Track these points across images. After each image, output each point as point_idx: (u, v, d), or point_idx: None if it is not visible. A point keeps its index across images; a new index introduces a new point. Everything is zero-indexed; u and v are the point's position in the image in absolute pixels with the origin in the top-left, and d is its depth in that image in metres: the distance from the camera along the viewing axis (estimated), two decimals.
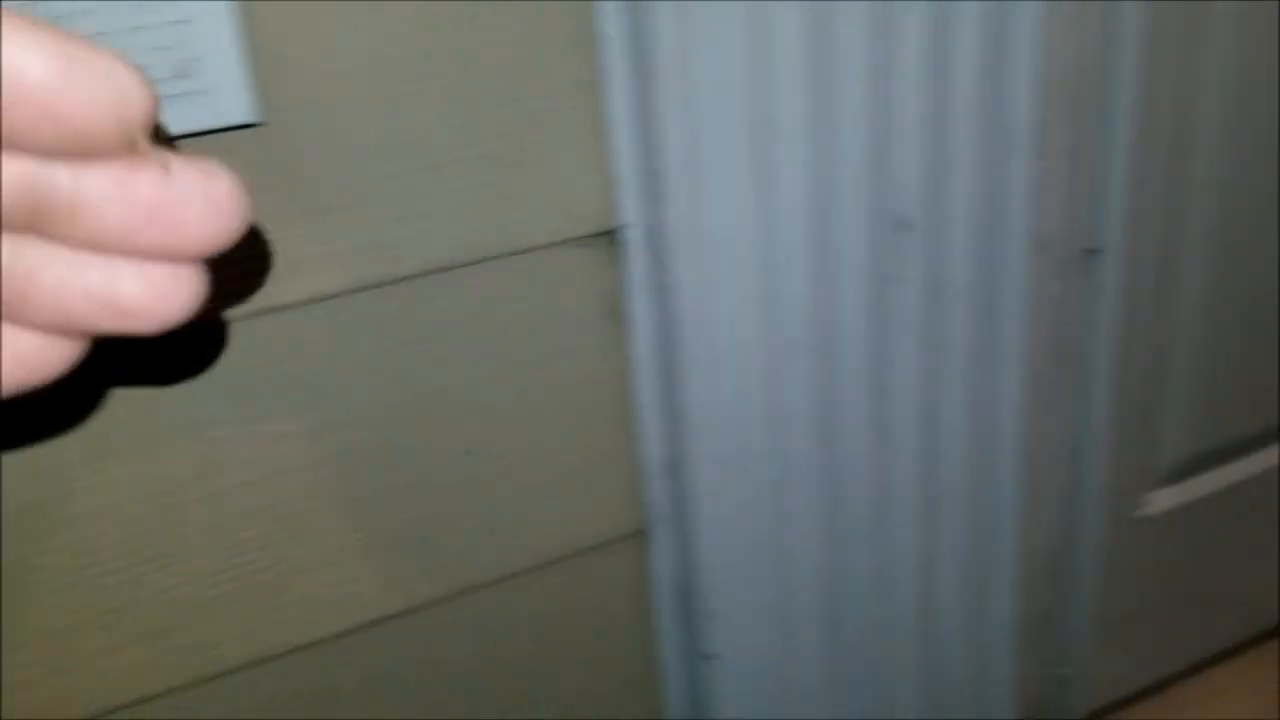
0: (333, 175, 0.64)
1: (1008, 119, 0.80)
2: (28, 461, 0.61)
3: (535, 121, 0.69)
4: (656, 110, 0.69)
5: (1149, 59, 0.91)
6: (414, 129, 0.65)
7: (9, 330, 0.24)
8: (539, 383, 0.75)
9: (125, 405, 0.63)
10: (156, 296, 0.24)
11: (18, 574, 0.63)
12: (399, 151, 0.65)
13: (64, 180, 0.21)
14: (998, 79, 0.79)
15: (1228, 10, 0.96)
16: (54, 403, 0.62)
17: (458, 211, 0.68)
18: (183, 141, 0.59)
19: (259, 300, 0.64)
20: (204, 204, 0.23)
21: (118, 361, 0.62)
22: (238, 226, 0.25)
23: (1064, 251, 0.91)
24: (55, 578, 0.64)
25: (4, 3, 0.24)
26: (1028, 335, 0.88)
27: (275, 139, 0.62)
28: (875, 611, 0.87)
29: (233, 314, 0.64)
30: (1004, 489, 0.90)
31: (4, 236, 0.22)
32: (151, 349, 0.61)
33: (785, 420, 0.80)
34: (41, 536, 0.63)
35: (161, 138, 0.23)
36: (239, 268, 0.63)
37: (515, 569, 0.78)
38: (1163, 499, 1.12)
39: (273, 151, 0.62)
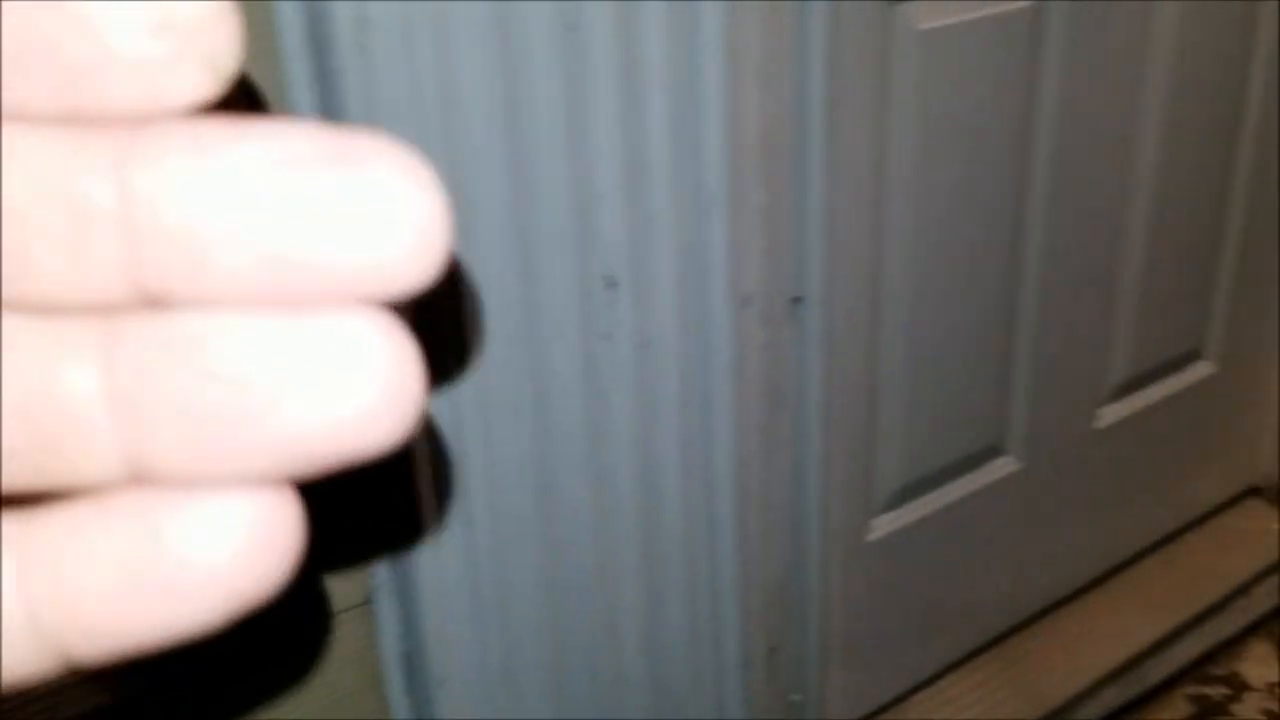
0: None
1: (704, 180, 0.84)
2: None
3: None
4: None
5: (838, 119, 0.97)
6: None
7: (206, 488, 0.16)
8: None
9: None
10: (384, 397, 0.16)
11: None
12: None
13: None
14: (692, 143, 0.83)
15: (908, 74, 1.04)
16: None
17: None
18: None
19: None
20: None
21: None
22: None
23: (769, 301, 0.96)
24: None
25: None
26: (738, 383, 0.92)
27: None
28: (604, 661, 0.89)
29: None
30: (724, 531, 0.94)
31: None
32: None
33: (503, 480, 0.80)
34: None
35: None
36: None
37: None
38: (884, 524, 1.19)
39: None
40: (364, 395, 0.15)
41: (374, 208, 0.15)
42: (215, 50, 0.15)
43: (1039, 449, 1.29)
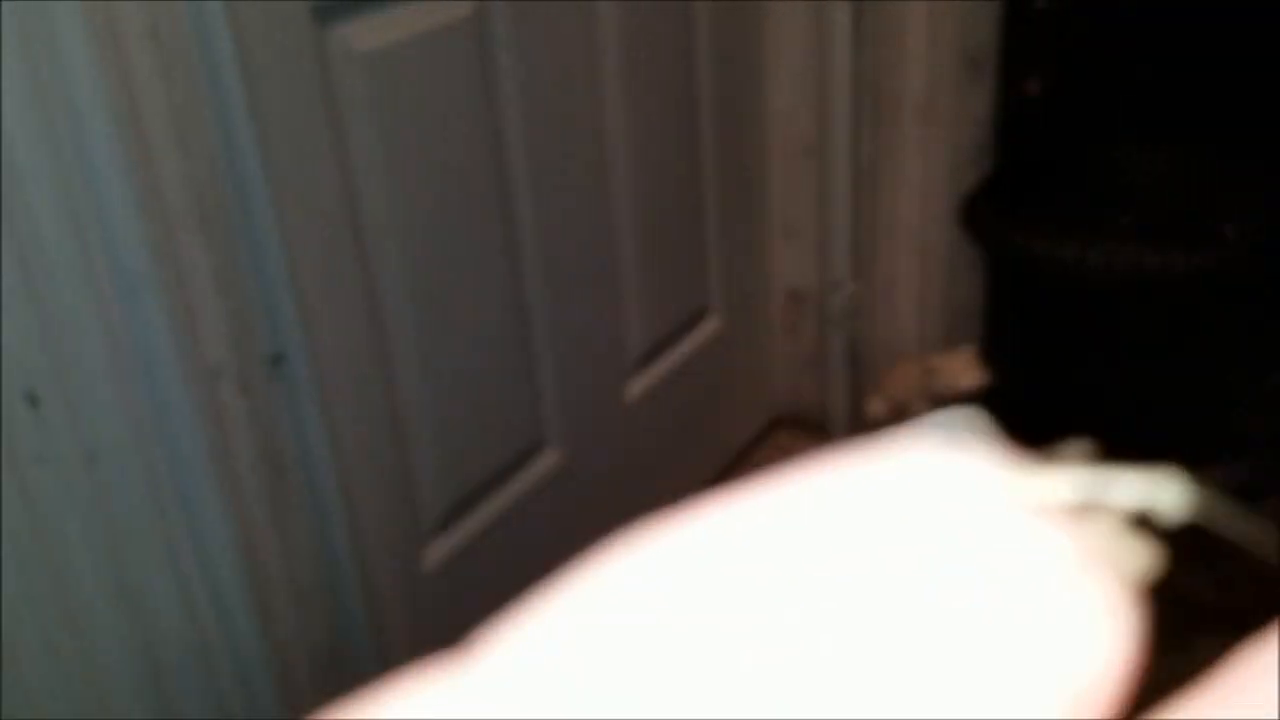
0: None
1: (123, 264, 0.76)
2: None
3: None
4: None
5: (283, 163, 0.92)
6: None
7: None
8: None
9: None
10: None
11: None
12: None
13: None
14: (101, 229, 0.74)
15: (357, 101, 1.00)
16: None
17: None
18: None
19: None
20: None
21: None
22: None
23: (244, 367, 0.89)
24: None
25: None
26: (225, 461, 0.85)
27: None
28: None
29: None
30: (241, 617, 0.87)
31: None
32: None
33: None
34: None
35: None
36: None
37: None
38: (437, 549, 1.17)
39: None
40: None
41: None
42: None
43: (578, 434, 1.33)
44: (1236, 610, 1.51)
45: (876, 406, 1.59)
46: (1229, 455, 1.64)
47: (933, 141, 1.52)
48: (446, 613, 1.18)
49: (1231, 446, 1.66)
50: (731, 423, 1.61)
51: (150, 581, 0.80)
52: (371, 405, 1.06)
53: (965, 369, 1.46)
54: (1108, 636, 0.11)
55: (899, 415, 1.54)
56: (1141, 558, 0.12)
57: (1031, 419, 1.64)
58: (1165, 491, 0.12)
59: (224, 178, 0.85)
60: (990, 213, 1.56)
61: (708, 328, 1.53)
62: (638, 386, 1.42)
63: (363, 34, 1.01)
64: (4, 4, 0.71)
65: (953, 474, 0.11)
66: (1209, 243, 1.48)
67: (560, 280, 1.26)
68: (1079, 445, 0.13)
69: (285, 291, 0.92)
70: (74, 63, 0.74)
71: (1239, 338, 1.62)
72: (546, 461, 1.30)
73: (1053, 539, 0.11)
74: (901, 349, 1.64)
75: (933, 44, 1.47)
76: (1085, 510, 0.12)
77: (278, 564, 0.92)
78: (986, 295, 1.69)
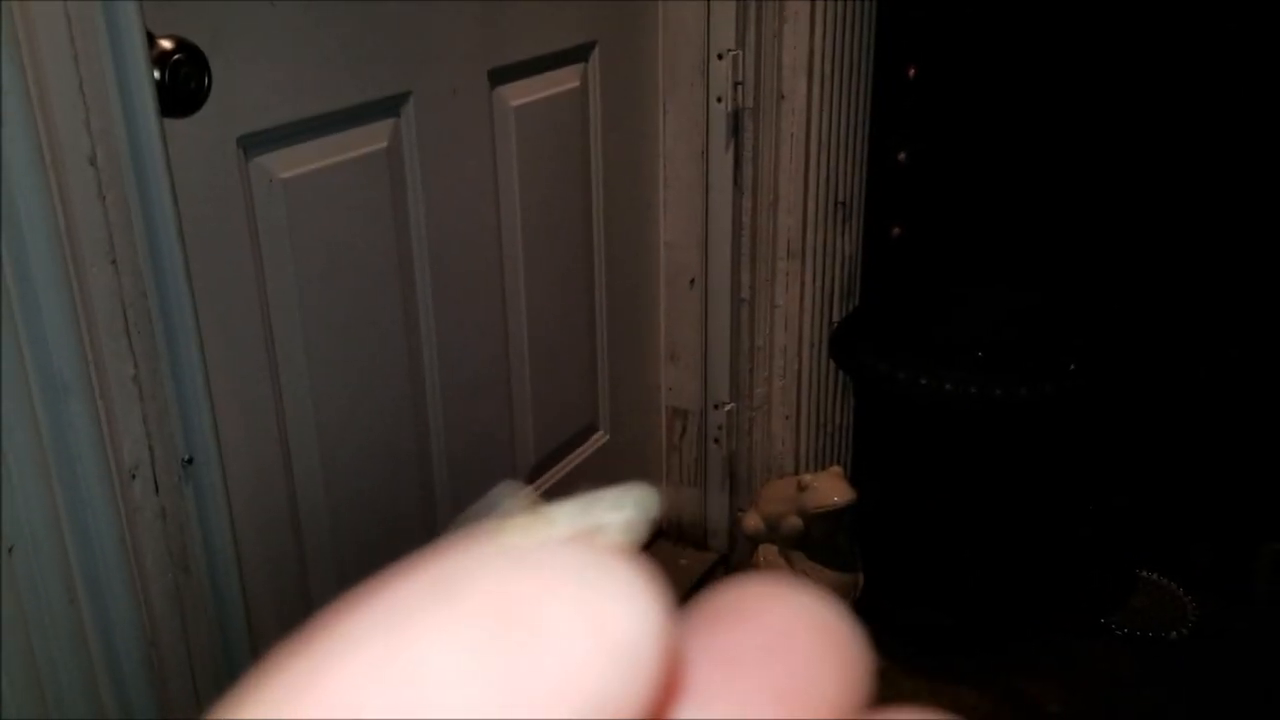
0: None
1: (54, 370, 0.82)
2: None
3: None
4: None
5: (206, 277, 0.99)
6: None
7: None
8: None
9: None
10: None
11: None
12: None
13: None
14: (34, 338, 0.81)
15: (276, 222, 1.08)
16: None
17: None
18: None
19: None
20: None
21: None
22: None
23: (159, 468, 0.95)
24: None
25: None
26: (135, 559, 0.90)
27: None
28: None
29: None
30: (138, 707, 0.91)
31: None
32: None
33: None
34: None
35: None
36: None
37: None
38: None
39: None
40: None
41: None
42: None
43: None
44: (1082, 716, 1.62)
45: (752, 521, 1.69)
46: (1072, 567, 1.78)
47: (805, 276, 1.67)
48: None
49: (1075, 560, 1.80)
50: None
51: (58, 668, 0.84)
52: (274, 509, 1.12)
53: (835, 485, 1.57)
54: (637, 609, 0.13)
55: (772, 529, 1.65)
56: (634, 546, 0.15)
57: (894, 531, 1.76)
58: (632, 499, 0.15)
59: (150, 292, 0.92)
60: (857, 342, 1.70)
61: (596, 442, 1.62)
62: None
63: (284, 162, 1.10)
64: None
65: (496, 529, 0.14)
66: (1051, 375, 1.64)
67: (458, 395, 1.34)
68: (512, 486, 0.16)
69: (199, 399, 0.98)
70: (19, 183, 0.81)
71: (1080, 461, 1.78)
72: None
73: (570, 551, 0.13)
74: (776, 466, 1.75)
75: (805, 191, 1.62)
76: (588, 529, 0.14)
77: (179, 656, 0.96)
78: (855, 417, 1.82)
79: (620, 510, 0.15)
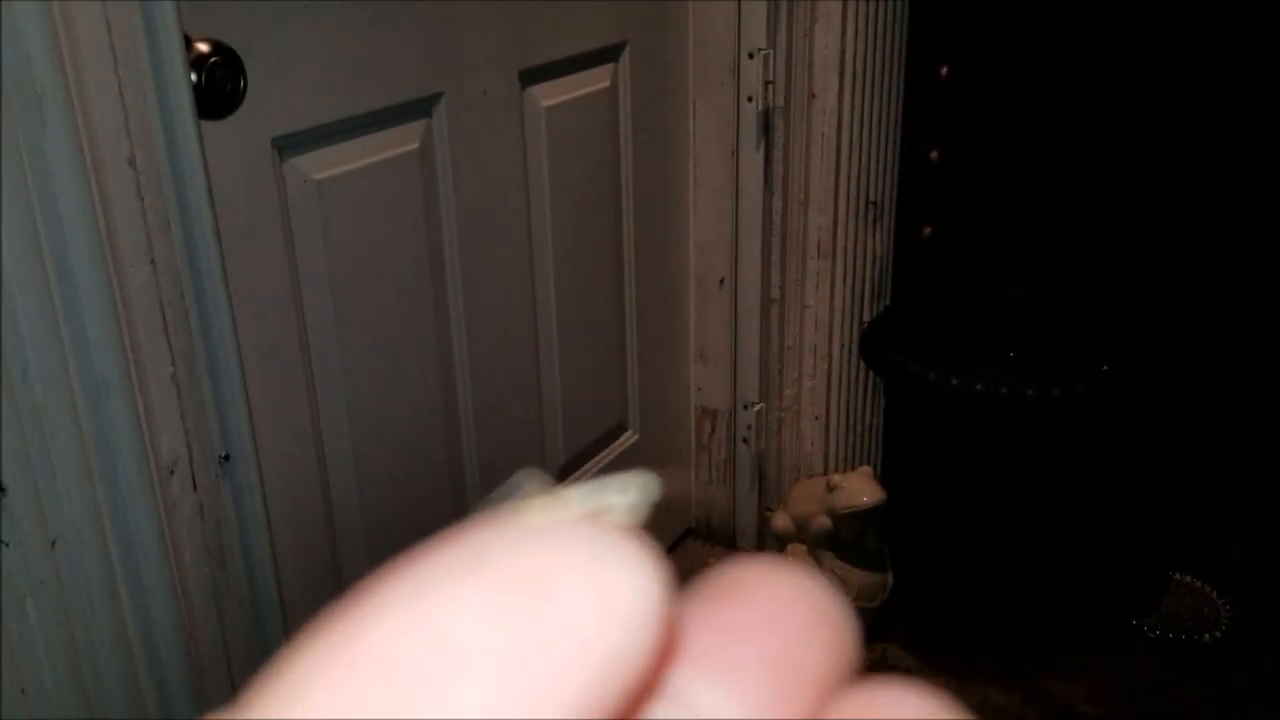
0: None
1: (93, 366, 0.84)
2: None
3: None
4: None
5: (241, 278, 1.01)
6: None
7: None
8: None
9: None
10: None
11: None
12: None
13: None
14: (74, 334, 0.82)
15: (310, 224, 1.10)
16: None
17: None
18: None
19: None
20: None
21: None
22: None
23: (197, 464, 0.96)
24: None
25: None
26: (173, 553, 0.92)
27: None
28: None
29: None
30: (178, 700, 0.92)
31: None
32: None
33: None
34: None
35: None
36: None
37: None
38: None
39: None
40: None
41: None
42: None
43: None
44: (1112, 718, 1.61)
45: (781, 521, 1.69)
46: (1100, 570, 1.77)
47: (836, 276, 1.67)
48: None
49: (1105, 561, 1.79)
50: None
51: (99, 660, 0.85)
52: (308, 506, 1.13)
53: (864, 485, 1.57)
54: (640, 581, 0.14)
55: (801, 529, 1.65)
56: (641, 527, 0.16)
57: (924, 531, 1.75)
58: (636, 484, 0.16)
59: (187, 291, 0.93)
60: (887, 343, 1.70)
61: (625, 441, 1.63)
62: None
63: (318, 164, 1.11)
64: (4, 130, 0.80)
65: (514, 510, 0.15)
66: (1083, 375, 1.63)
67: (489, 394, 1.35)
68: (529, 472, 0.17)
69: (236, 397, 0.99)
70: (61, 184, 0.83)
71: (1111, 462, 1.77)
72: None
73: (580, 529, 0.14)
74: (805, 466, 1.75)
75: (836, 190, 1.62)
76: (598, 510, 0.16)
77: (216, 649, 0.98)
78: (884, 418, 1.82)
79: (626, 493, 0.16)
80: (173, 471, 0.93)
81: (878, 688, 0.16)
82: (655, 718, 0.15)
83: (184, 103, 0.91)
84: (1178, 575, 1.81)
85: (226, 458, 1.00)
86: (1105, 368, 1.66)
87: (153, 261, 0.91)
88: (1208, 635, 1.72)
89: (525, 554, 0.14)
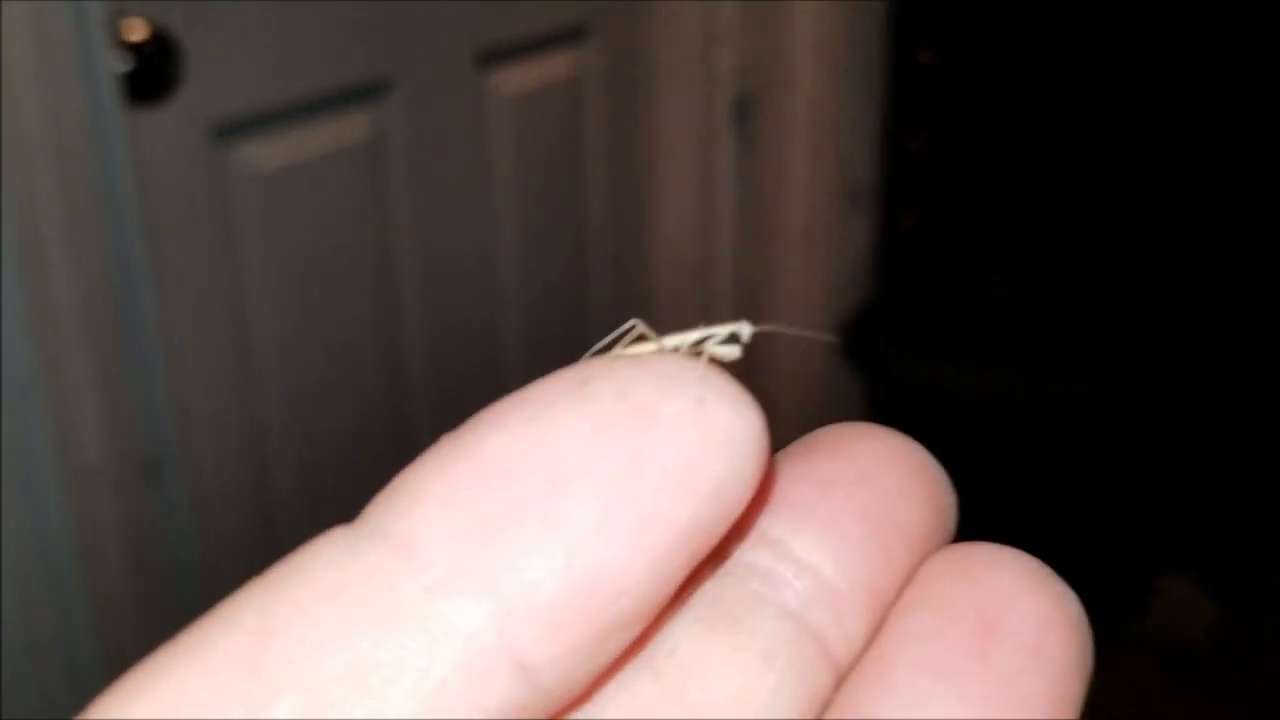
0: None
1: (9, 368, 0.79)
2: None
3: None
4: None
5: (174, 275, 0.96)
6: None
7: None
8: None
9: None
10: None
11: None
12: None
13: None
14: None
15: (251, 219, 1.04)
16: None
17: None
18: None
19: None
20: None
21: None
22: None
23: (120, 470, 0.91)
24: None
25: None
26: (92, 561, 0.87)
27: None
28: None
29: None
30: None
31: None
32: None
33: None
34: None
35: None
36: None
37: None
38: None
39: None
40: None
41: None
42: None
43: None
44: None
45: None
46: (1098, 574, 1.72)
47: (813, 268, 1.62)
48: None
49: (1098, 565, 1.74)
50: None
51: (12, 674, 0.80)
52: (245, 515, 1.08)
53: None
54: (743, 414, 0.15)
55: None
56: (728, 370, 0.16)
57: None
58: (731, 329, 0.19)
59: (114, 288, 0.88)
60: (868, 340, 1.65)
61: None
62: None
63: (261, 155, 1.06)
64: None
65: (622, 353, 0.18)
66: (1074, 374, 1.58)
67: (443, 395, 1.30)
68: (637, 321, 0.20)
69: (164, 399, 0.94)
70: None
71: (1103, 464, 1.72)
72: None
73: (682, 363, 0.15)
74: None
75: (813, 178, 1.57)
76: (696, 352, 0.18)
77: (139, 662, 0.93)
78: (864, 418, 1.77)
79: (722, 338, 0.19)
80: (94, 477, 0.88)
81: (975, 548, 0.17)
82: (749, 559, 0.16)
83: (111, 85, 0.86)
84: (1171, 579, 1.77)
85: (154, 464, 0.94)
86: (1099, 368, 1.61)
87: (76, 256, 0.86)
88: (1200, 639, 1.68)
89: (633, 387, 0.15)
